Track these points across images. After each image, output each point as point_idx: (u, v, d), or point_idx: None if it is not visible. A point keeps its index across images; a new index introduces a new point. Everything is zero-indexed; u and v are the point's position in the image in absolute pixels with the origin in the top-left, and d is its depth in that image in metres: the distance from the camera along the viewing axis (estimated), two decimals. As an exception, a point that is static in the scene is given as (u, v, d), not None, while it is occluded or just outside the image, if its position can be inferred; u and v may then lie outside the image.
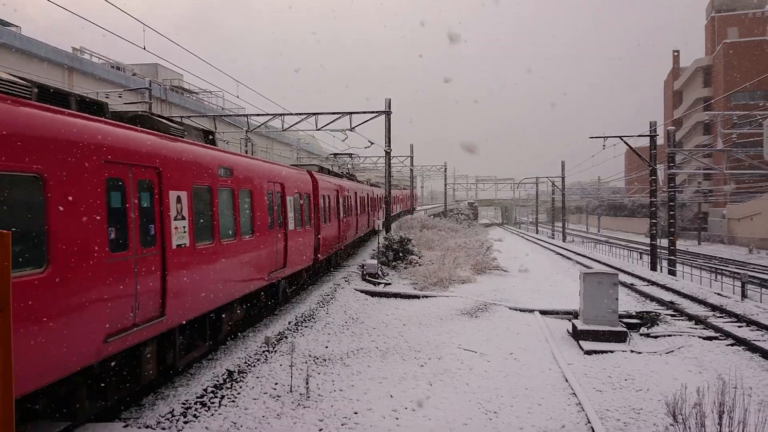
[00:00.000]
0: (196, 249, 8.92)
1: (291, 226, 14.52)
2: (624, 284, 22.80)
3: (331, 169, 25.27)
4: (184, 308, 8.63)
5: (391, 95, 27.03)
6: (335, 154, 36.04)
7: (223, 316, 10.81)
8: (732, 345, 13.70)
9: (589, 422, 8.58)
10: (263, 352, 11.32)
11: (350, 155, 34.42)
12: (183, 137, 9.41)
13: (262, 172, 12.68)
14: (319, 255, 18.20)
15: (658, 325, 15.55)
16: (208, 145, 10.47)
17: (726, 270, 30.60)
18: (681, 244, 49.09)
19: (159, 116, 9.25)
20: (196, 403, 8.49)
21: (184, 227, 8.57)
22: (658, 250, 31.52)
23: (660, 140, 32.94)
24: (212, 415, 8.23)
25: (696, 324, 16.02)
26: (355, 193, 27.06)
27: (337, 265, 24.10)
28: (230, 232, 10.54)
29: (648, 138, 30.89)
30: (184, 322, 8.83)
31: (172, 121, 9.73)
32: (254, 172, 12.15)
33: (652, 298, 20.52)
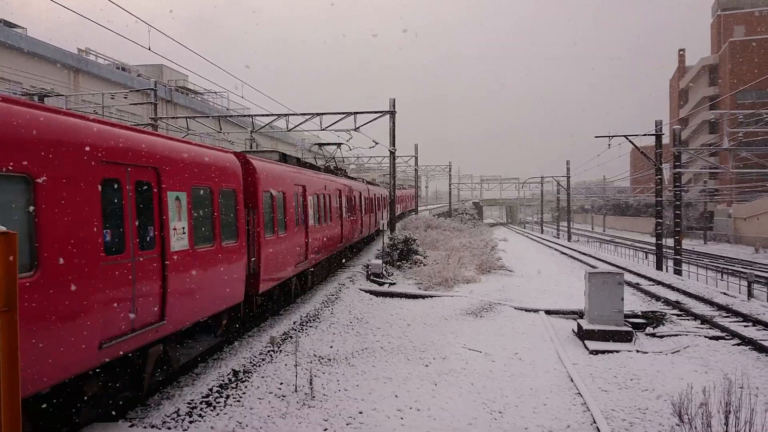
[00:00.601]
0: None
1: (179, 244, 8.48)
2: (629, 284, 22.73)
3: (302, 159, 19.29)
4: None
5: (391, 95, 26.68)
6: (320, 144, 31.24)
7: None
8: (738, 345, 13.63)
9: (595, 422, 8.56)
10: (268, 351, 11.34)
11: (338, 144, 28.91)
12: None
13: (73, 141, 6.40)
14: (259, 286, 12.13)
15: (663, 324, 15.49)
16: None
17: (732, 269, 30.48)
18: (687, 244, 48.91)
19: None
20: (201, 403, 8.52)
21: None
22: (664, 250, 31.41)
23: (666, 139, 32.81)
24: (218, 414, 8.26)
25: (702, 324, 15.95)
26: (340, 191, 21.81)
27: (309, 289, 18.01)
28: None
29: (653, 137, 30.80)
30: None
31: None
32: (36, 136, 5.89)
33: (658, 298, 20.45)
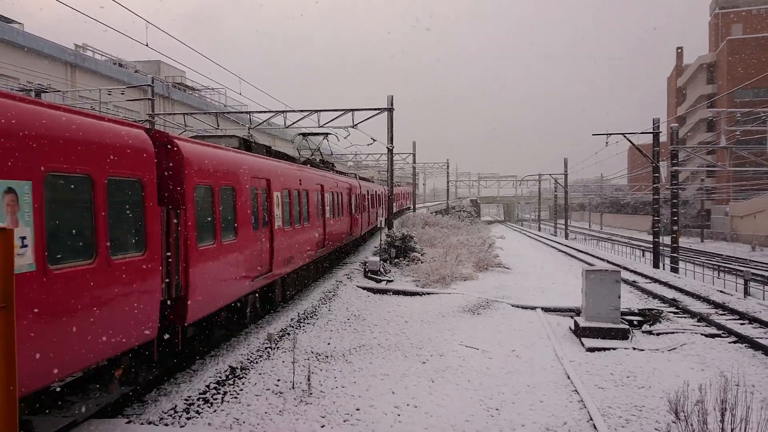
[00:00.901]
0: None
1: (15, 263, 4.37)
2: (626, 281, 22.77)
3: (275, 148, 16.27)
4: None
5: (391, 95, 26.45)
6: (304, 134, 27.19)
7: None
8: (734, 342, 13.67)
9: (591, 419, 8.59)
10: (266, 348, 11.35)
11: (326, 135, 26.02)
12: None
13: None
14: (187, 313, 8.87)
15: (660, 322, 15.53)
16: None
17: (729, 267, 30.57)
18: (684, 242, 49.01)
19: None
20: (198, 400, 8.52)
21: None
22: (661, 248, 31.47)
23: (663, 137, 32.87)
24: (215, 411, 8.26)
25: (698, 321, 16.00)
26: (322, 186, 19.04)
27: (279, 305, 15.22)
28: None
29: (651, 135, 30.84)
30: None
31: None
32: None
33: (655, 296, 20.50)
